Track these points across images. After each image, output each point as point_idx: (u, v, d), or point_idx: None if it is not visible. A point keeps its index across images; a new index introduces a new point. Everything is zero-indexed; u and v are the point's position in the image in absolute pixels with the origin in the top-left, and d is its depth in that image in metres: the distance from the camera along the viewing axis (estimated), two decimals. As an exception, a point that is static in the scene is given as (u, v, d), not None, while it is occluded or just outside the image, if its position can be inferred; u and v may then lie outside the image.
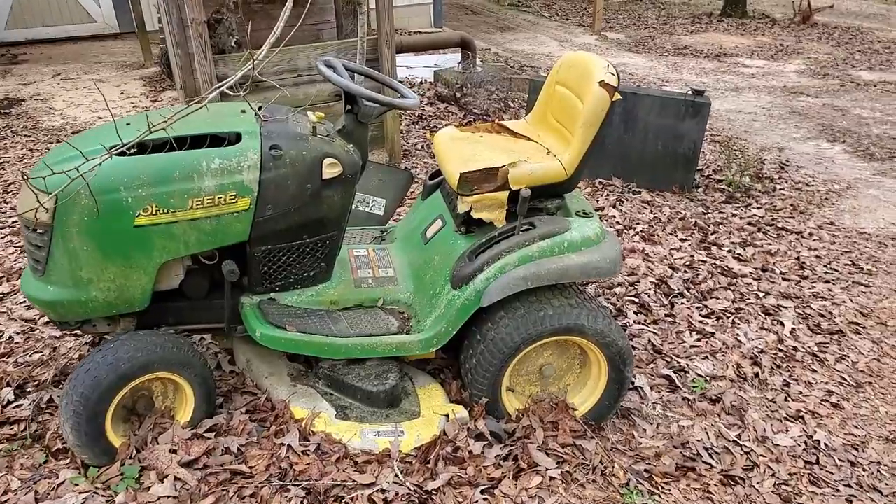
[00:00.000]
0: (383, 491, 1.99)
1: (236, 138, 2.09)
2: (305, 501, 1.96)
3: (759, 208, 4.25)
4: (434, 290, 2.29)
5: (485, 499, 2.00)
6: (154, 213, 1.98)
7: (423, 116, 6.16)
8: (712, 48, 10.23)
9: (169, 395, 2.21)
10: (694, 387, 2.58)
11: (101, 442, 2.04)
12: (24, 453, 2.15)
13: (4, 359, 2.61)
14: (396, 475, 2.06)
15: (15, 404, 2.33)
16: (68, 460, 2.14)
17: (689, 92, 4.36)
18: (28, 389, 2.47)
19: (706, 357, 2.76)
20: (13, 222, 3.81)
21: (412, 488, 2.01)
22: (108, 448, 2.07)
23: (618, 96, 2.17)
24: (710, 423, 2.39)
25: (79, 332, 2.30)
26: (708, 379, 2.63)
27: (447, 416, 2.24)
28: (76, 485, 2.00)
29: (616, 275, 2.28)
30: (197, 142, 2.06)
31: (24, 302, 2.99)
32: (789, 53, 9.72)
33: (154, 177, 1.96)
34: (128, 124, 2.15)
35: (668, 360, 2.73)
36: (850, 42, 10.38)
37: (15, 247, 3.54)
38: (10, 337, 2.75)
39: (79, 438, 2.01)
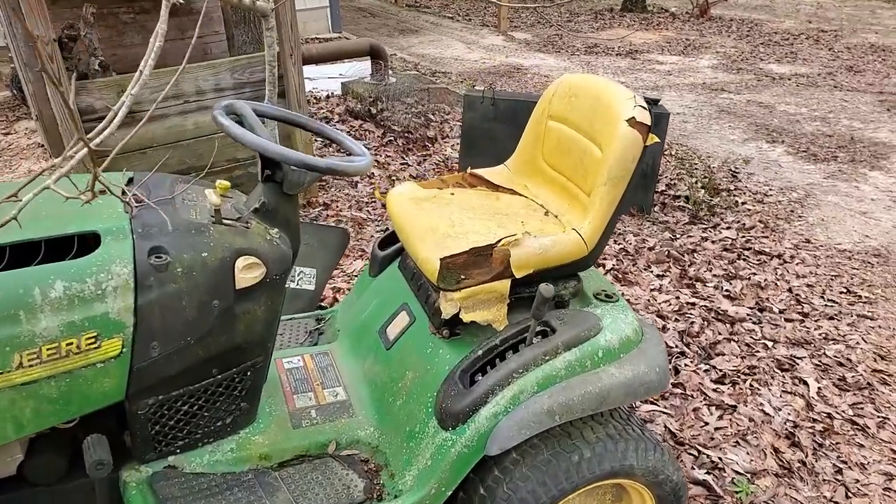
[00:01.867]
0: None
1: (92, 242, 1.32)
2: None
3: (727, 228, 3.85)
4: (412, 428, 1.60)
5: None
6: (-48, 380, 1.17)
7: (337, 137, 5.39)
8: (622, 45, 10.07)
9: None
10: (737, 492, 2.04)
11: None
12: None
13: None
14: None
15: None
16: None
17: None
18: None
19: (737, 443, 2.24)
20: None
21: None
22: None
23: (654, 139, 1.57)
24: (775, 548, 1.86)
25: None
26: (749, 476, 2.10)
27: None
28: None
29: (667, 387, 1.70)
30: (23, 253, 1.27)
31: None
32: (697, 48, 9.71)
33: (-54, 322, 1.15)
34: None
35: (696, 453, 2.19)
36: (749, 35, 10.56)
37: None
38: None
39: None
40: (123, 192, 1.45)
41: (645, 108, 1.57)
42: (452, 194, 1.88)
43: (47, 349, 1.23)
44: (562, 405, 1.46)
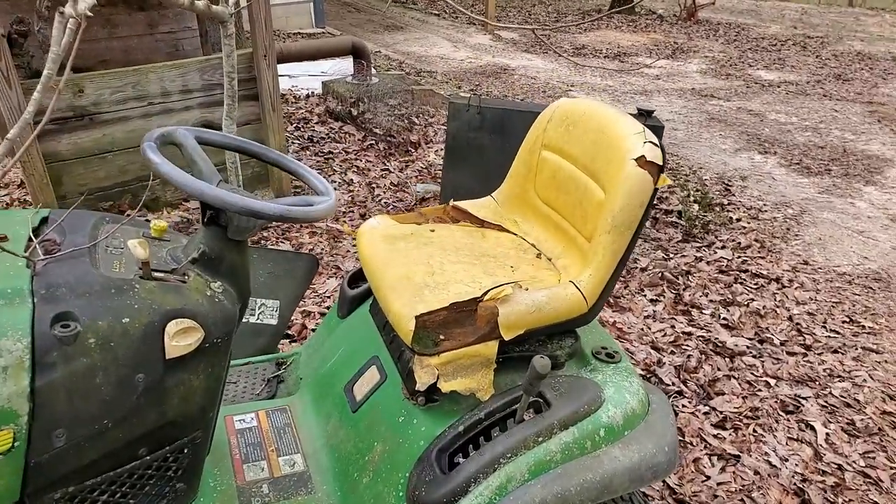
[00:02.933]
0: None
1: None
2: None
3: (723, 247, 3.67)
4: (379, 510, 1.37)
5: None
6: None
7: (315, 140, 5.14)
8: (610, 47, 9.90)
9: None
10: (745, 560, 1.85)
11: None
12: None
13: None
14: None
15: None
16: None
17: (637, 112, 3.69)
18: None
19: (742, 500, 2.05)
20: None
21: None
22: None
23: (666, 180, 1.35)
24: None
25: None
26: (759, 542, 1.91)
27: None
28: None
29: (676, 468, 1.49)
30: None
31: None
32: (685, 52, 9.57)
33: None
34: None
35: (698, 512, 1.99)
36: (737, 39, 10.44)
37: None
38: None
39: None
40: (30, 238, 1.20)
41: (656, 145, 1.35)
42: (432, 231, 1.64)
43: (-83, 445, 0.98)
44: (557, 497, 1.24)
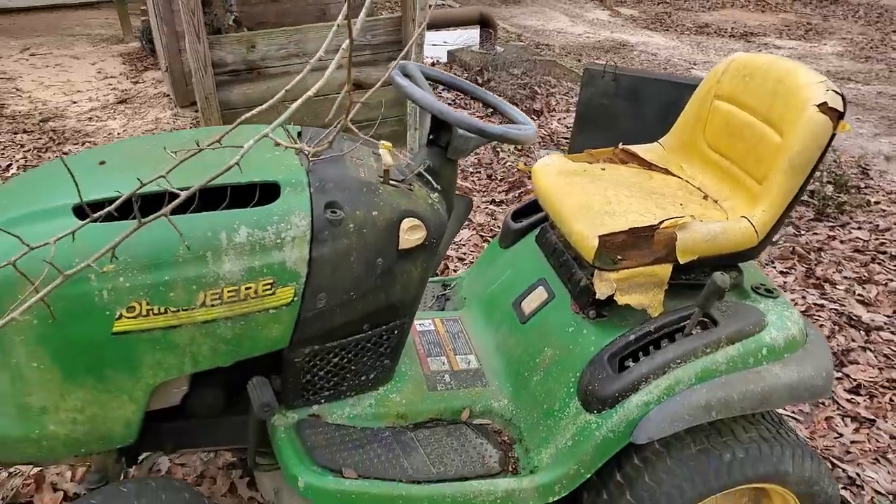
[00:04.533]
0: None
1: (272, 192, 1.35)
2: None
3: (858, 228, 3.59)
4: (550, 406, 1.57)
5: None
6: (144, 313, 1.24)
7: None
8: (736, 26, 9.51)
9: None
10: (877, 510, 1.93)
11: None
12: None
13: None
14: None
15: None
16: None
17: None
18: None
19: (876, 460, 2.10)
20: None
21: None
22: None
23: (846, 126, 1.45)
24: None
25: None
26: (891, 498, 1.97)
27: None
28: None
29: (829, 393, 1.61)
30: (208, 199, 1.31)
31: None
32: (820, 33, 9.04)
33: (145, 257, 1.21)
34: (101, 163, 1.39)
35: (829, 466, 2.07)
36: (879, 21, 9.73)
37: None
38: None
39: None
40: (299, 148, 1.49)
41: (838, 94, 1.44)
42: (603, 169, 1.81)
43: (228, 291, 1.27)
44: (720, 401, 1.39)
